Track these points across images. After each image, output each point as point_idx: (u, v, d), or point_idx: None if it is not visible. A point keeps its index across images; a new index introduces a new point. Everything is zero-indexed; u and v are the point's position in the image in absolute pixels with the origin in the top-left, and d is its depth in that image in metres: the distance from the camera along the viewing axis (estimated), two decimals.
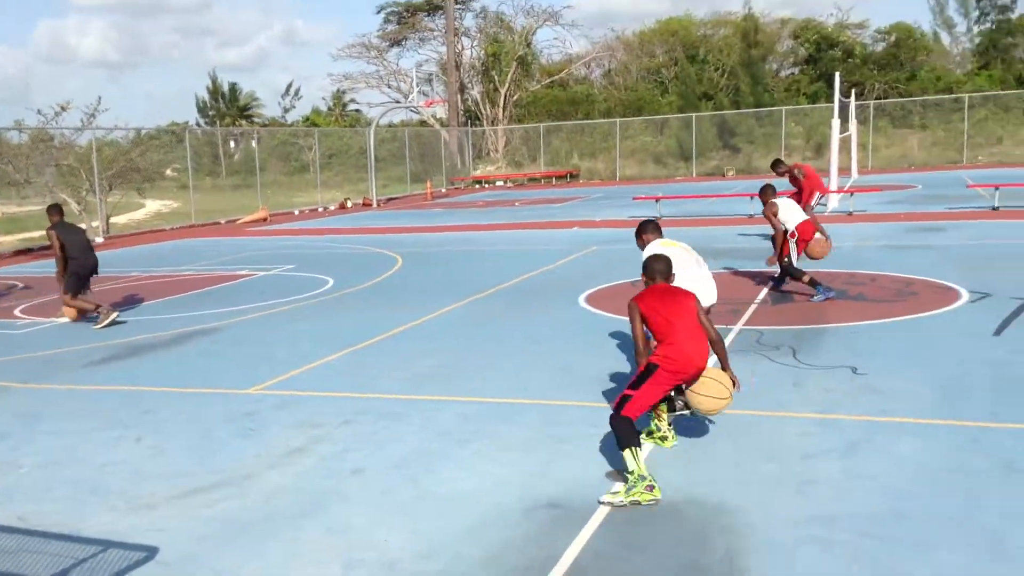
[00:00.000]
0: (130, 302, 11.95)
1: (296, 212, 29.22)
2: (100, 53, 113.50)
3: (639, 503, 4.55)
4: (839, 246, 13.61)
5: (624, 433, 4.79)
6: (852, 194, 20.07)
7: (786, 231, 9.80)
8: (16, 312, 11.54)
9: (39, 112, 24.14)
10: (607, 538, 4.19)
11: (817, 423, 5.61)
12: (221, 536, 4.44)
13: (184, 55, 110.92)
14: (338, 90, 60.29)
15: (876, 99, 40.10)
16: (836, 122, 20.11)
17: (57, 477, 5.30)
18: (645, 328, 5.19)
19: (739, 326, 8.45)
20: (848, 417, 5.68)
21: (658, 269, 5.46)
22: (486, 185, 40.60)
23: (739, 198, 21.59)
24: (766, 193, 10.22)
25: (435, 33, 50.14)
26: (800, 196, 12.96)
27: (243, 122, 65.80)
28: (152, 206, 35.74)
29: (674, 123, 41.39)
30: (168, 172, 39.31)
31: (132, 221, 29.38)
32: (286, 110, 67.55)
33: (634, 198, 22.82)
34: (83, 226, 22.85)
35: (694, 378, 5.07)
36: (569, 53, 50.65)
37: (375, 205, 31.29)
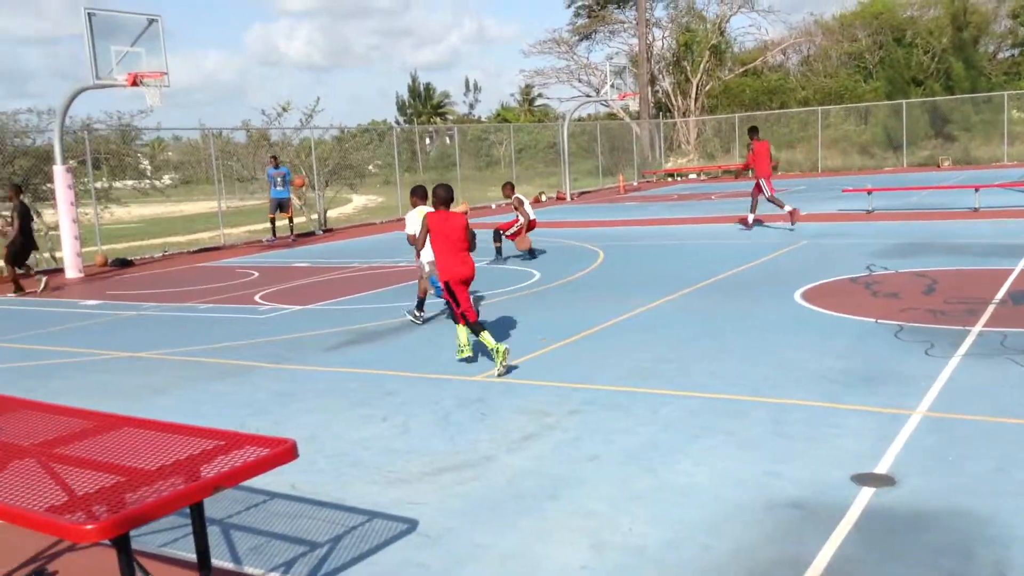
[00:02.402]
0: (355, 291, 12.71)
1: (493, 206, 30.00)
2: (307, 55, 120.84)
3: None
4: None
5: (474, 328, 7.58)
6: None
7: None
8: (256, 298, 12.55)
9: (263, 112, 26.06)
10: (860, 544, 4.09)
11: None
12: (474, 513, 4.68)
13: (383, 56, 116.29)
14: (527, 85, 61.40)
15: None
16: None
17: (319, 451, 5.76)
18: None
19: (979, 327, 7.95)
20: None
21: (441, 196, 7.57)
22: (679, 178, 40.07)
23: (959, 190, 20.21)
24: (507, 188, 15.63)
25: (625, 25, 49.93)
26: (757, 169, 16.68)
27: (437, 119, 68.34)
28: (359, 201, 37.73)
29: (880, 111, 39.23)
30: (371, 168, 41.39)
31: (342, 215, 31.14)
32: (471, 106, 69.48)
33: (843, 190, 21.88)
34: (302, 219, 24.50)
35: (466, 281, 7.55)
36: (764, 40, 49.08)
37: (568, 199, 31.62)
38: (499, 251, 15.00)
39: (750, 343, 8.05)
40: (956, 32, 40.61)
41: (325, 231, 23.67)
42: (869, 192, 19.30)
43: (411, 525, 4.57)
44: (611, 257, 14.69)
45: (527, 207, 14.97)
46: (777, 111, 42.73)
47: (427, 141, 53.79)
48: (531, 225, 15.01)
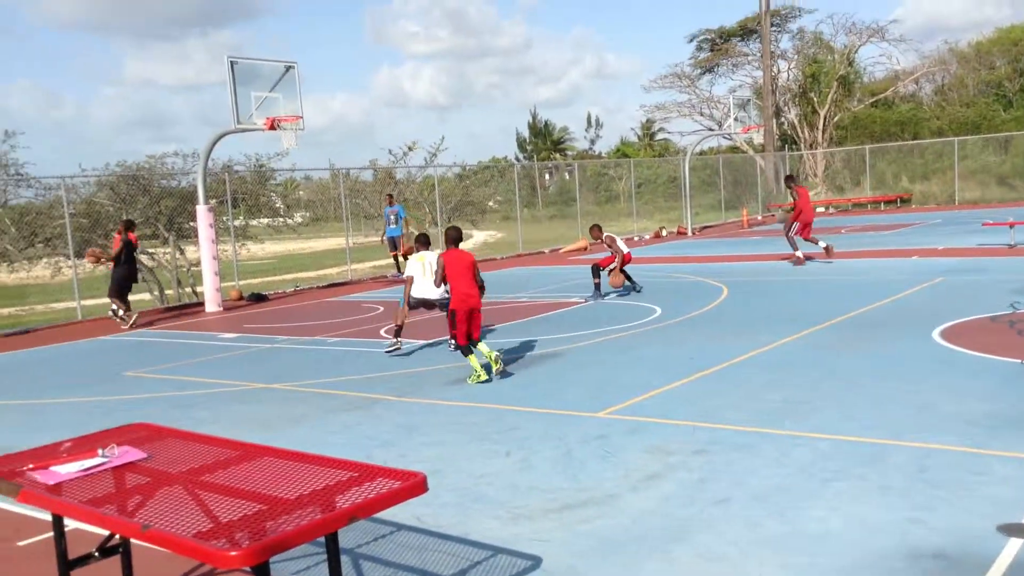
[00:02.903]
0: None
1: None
2: (430, 96, 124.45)
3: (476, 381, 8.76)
4: None
5: (463, 350, 8.97)
6: None
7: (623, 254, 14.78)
8: (381, 332, 12.88)
9: (390, 152, 26.93)
10: None
11: None
12: (598, 552, 4.64)
13: (504, 94, 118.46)
14: (647, 120, 61.24)
15: None
16: None
17: (442, 484, 5.84)
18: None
19: None
20: None
21: (451, 236, 9.11)
22: None
23: None
24: (595, 230, 15.24)
25: (749, 58, 49.32)
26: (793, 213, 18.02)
27: (557, 155, 68.96)
28: (479, 236, 38.31)
29: (1021, 141, 37.24)
30: (491, 204, 42.05)
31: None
32: (592, 142, 69.76)
33: (984, 224, 20.82)
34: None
35: (473, 309, 8.85)
36: (896, 70, 47.45)
37: (690, 233, 31.23)
38: (598, 287, 14.98)
39: (885, 384, 7.73)
40: None
41: None
42: (1011, 225, 18.29)
43: (535, 562, 4.57)
44: (735, 293, 14.40)
45: (620, 243, 14.96)
46: (910, 142, 41.14)
47: (546, 177, 54.34)
48: (625, 259, 15.01)
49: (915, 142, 40.91)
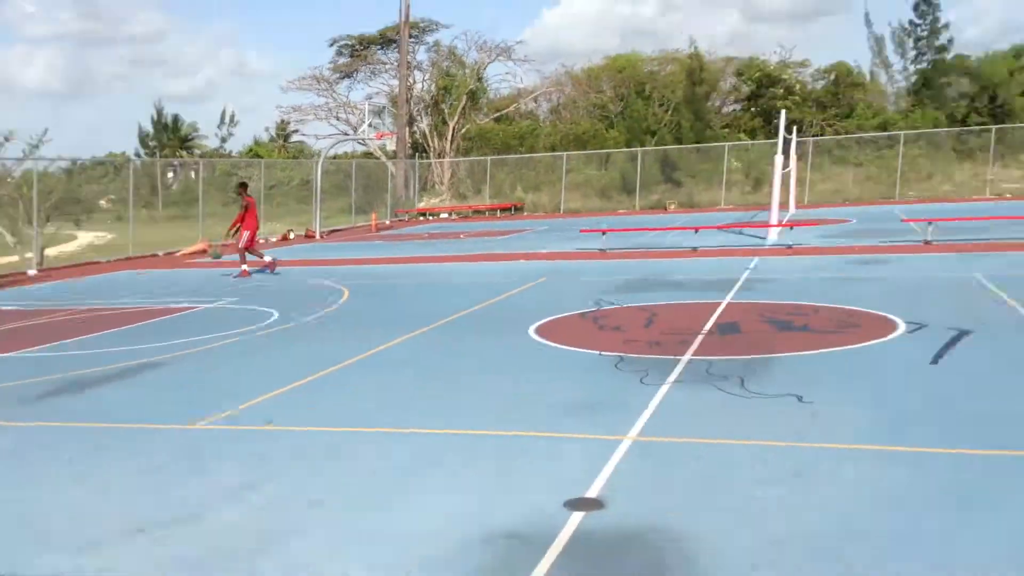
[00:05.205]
0: (71, 335, 11.67)
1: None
2: (44, 83, 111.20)
3: None
4: (783, 278, 14.01)
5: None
6: (792, 227, 20.57)
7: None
8: None
9: None
10: (566, 568, 4.21)
11: (766, 450, 5.72)
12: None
13: (132, 86, 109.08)
14: (282, 121, 60.07)
15: (814, 136, 41.19)
16: (779, 158, 20.63)
17: None
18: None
19: (688, 356, 8.57)
20: (795, 444, 5.80)
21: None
22: (431, 217, 40.63)
23: (681, 231, 21.96)
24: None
25: (387, 66, 50.28)
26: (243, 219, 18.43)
27: (183, 153, 65.03)
28: (84, 238, 34.86)
29: (618, 157, 41.99)
30: (102, 203, 38.59)
31: (63, 253, 28.55)
32: (223, 140, 66.79)
33: (581, 231, 23.08)
34: (15, 258, 22.32)
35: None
36: (518, 87, 51.14)
37: (318, 237, 31.09)
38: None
39: (484, 379, 8.18)
40: (691, 87, 44.42)
41: (41, 270, 21.61)
42: (603, 233, 20.47)
43: None
44: (355, 296, 14.51)
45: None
46: (527, 155, 44.58)
47: (170, 175, 51.02)
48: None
49: (530, 155, 44.43)
